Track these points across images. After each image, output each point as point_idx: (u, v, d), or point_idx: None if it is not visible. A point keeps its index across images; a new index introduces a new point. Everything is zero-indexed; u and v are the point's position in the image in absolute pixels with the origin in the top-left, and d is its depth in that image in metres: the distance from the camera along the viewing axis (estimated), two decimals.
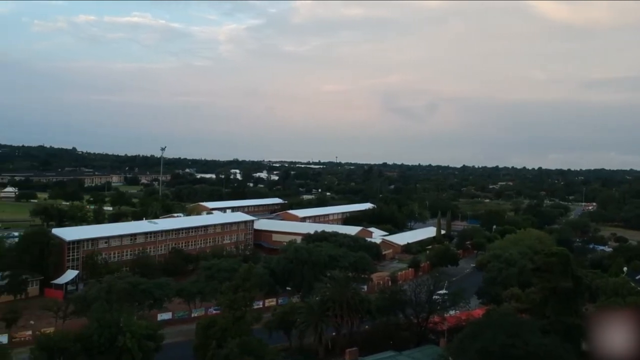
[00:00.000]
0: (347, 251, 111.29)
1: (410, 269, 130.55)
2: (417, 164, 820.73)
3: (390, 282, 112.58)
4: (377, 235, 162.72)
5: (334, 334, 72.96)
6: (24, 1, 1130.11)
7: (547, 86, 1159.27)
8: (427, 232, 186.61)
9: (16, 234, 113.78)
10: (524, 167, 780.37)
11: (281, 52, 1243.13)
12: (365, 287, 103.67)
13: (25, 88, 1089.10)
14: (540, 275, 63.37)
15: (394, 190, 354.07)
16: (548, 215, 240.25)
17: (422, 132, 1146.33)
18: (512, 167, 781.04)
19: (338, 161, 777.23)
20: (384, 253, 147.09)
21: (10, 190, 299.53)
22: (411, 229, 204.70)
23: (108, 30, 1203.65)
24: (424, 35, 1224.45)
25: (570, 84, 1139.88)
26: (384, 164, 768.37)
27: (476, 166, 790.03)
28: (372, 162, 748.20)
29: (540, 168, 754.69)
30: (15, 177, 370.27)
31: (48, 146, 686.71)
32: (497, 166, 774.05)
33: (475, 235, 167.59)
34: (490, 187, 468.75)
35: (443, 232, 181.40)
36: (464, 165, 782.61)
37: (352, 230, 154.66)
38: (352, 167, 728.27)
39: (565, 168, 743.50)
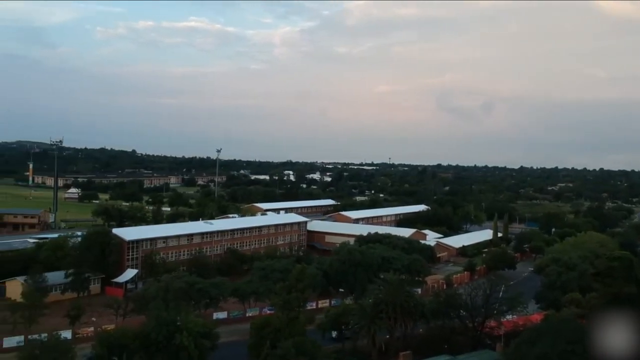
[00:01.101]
0: (400, 253, 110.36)
1: (465, 272, 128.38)
2: (472, 165, 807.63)
3: (445, 285, 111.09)
4: (431, 237, 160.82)
5: (387, 336, 72.39)
6: (87, 9, 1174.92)
7: (607, 84, 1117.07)
8: (483, 234, 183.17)
9: (79, 233, 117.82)
10: (585, 168, 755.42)
11: (334, 53, 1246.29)
12: (419, 290, 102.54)
13: (87, 93, 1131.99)
14: (602, 280, 61.34)
15: (448, 192, 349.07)
16: (610, 218, 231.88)
17: (478, 133, 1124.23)
18: (572, 168, 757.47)
19: (391, 162, 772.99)
20: (438, 256, 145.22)
21: (74, 191, 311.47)
22: (467, 231, 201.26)
23: (166, 35, 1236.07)
24: (479, 34, 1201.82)
25: (632, 81, 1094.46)
26: (439, 165, 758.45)
27: (534, 167, 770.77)
28: (426, 163, 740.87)
29: (601, 169, 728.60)
30: (79, 179, 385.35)
31: (109, 148, 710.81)
32: (556, 167, 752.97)
33: (533, 238, 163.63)
34: (549, 188, 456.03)
35: (500, 234, 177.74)
36: (521, 167, 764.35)
37: (406, 232, 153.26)
38: (405, 169, 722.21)
39: (628, 169, 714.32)
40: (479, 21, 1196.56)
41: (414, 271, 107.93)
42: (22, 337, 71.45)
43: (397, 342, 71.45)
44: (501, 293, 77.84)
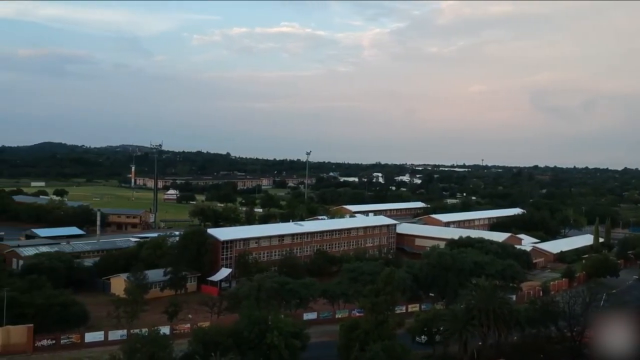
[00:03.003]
0: (493, 258, 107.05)
1: (563, 279, 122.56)
2: (571, 166, 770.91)
3: (541, 293, 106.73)
4: (526, 242, 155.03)
5: (479, 343, 70.40)
6: (184, 18, 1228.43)
7: None
8: (583, 239, 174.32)
9: (177, 233, 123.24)
10: None
11: (425, 54, 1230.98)
12: (514, 296, 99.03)
13: (184, 98, 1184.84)
14: None
15: (545, 195, 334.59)
16: None
17: (577, 133, 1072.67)
18: None
19: (484, 164, 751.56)
20: (534, 261, 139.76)
21: (172, 192, 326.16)
22: (565, 236, 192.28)
23: (259, 41, 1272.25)
24: (577, 30, 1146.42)
25: None
26: (535, 167, 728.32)
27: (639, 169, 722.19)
28: (522, 165, 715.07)
29: None
30: (177, 181, 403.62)
31: (205, 152, 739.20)
32: None
33: (638, 244, 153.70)
34: None
35: (601, 240, 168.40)
36: (625, 168, 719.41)
37: (500, 236, 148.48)
38: (499, 170, 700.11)
39: None
40: (577, 17, 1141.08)
41: (508, 277, 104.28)
42: (125, 331, 75.68)
43: (490, 349, 69.35)
44: (602, 302, 73.66)
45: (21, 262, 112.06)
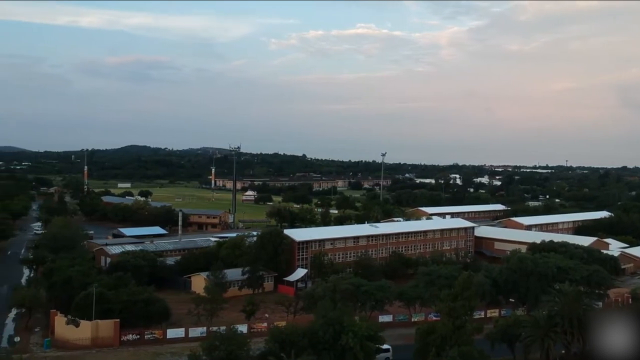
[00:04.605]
0: (578, 263, 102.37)
1: None
2: None
3: (630, 300, 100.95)
4: (614, 247, 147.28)
5: (563, 351, 67.56)
6: (261, 23, 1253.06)
7: None
8: None
9: (255, 233, 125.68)
10: None
11: (505, 51, 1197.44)
12: (601, 303, 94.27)
13: (262, 102, 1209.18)
14: None
15: (635, 197, 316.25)
16: None
17: None
18: None
19: (568, 165, 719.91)
20: (623, 267, 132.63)
21: (250, 193, 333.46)
22: None
23: (335, 44, 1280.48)
24: None
25: None
26: (623, 168, 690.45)
27: None
28: (609, 166, 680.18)
29: None
30: (255, 182, 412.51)
31: (282, 154, 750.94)
32: None
33: None
34: None
35: None
36: None
37: (585, 240, 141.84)
38: (584, 172, 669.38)
39: None
40: None
41: (593, 283, 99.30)
42: (204, 329, 77.95)
43: (574, 358, 66.40)
44: None
45: (108, 259, 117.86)
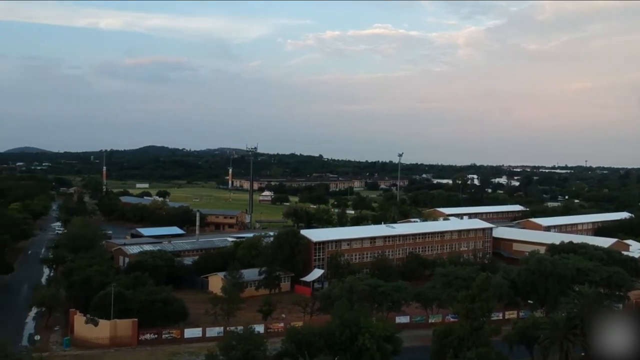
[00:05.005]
0: (598, 265, 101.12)
1: None
2: None
3: None
4: (635, 248, 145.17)
5: (582, 354, 66.71)
6: (278, 24, 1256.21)
7: None
8: None
9: (271, 233, 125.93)
10: None
11: (524, 51, 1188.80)
12: (621, 305, 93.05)
13: (278, 102, 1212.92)
14: None
15: None
16: None
17: None
18: None
19: (588, 165, 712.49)
20: None
21: (267, 194, 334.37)
22: None
23: (351, 44, 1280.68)
24: None
25: None
26: None
27: None
28: (630, 166, 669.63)
29: None
30: (272, 182, 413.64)
31: (298, 154, 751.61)
32: None
33: None
34: None
35: None
36: None
37: (605, 242, 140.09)
38: (604, 172, 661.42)
39: None
40: None
41: (613, 285, 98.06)
42: (221, 328, 78.27)
43: None
44: None
45: (127, 259, 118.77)
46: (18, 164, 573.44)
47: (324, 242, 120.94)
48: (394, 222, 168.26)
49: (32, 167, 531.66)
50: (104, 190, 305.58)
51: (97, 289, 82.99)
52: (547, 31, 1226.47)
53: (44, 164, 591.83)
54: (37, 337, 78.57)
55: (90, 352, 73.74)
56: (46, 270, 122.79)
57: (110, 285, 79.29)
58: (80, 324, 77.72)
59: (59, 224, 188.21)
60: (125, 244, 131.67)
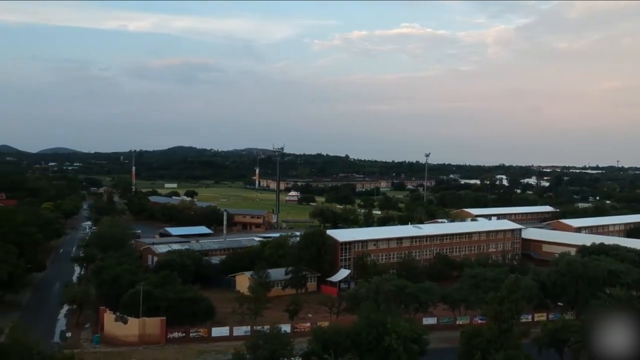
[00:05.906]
0: (630, 267, 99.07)
1: None
2: None
3: None
4: None
5: None
6: (305, 25, 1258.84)
7: None
8: None
9: (298, 233, 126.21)
10: None
11: (553, 49, 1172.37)
12: None
13: (305, 102, 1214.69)
14: None
15: None
16: None
17: None
18: None
19: (620, 165, 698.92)
20: None
21: (293, 194, 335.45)
22: None
23: (378, 44, 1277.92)
24: None
25: None
26: None
27: None
28: None
29: None
30: (298, 183, 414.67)
31: (325, 154, 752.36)
32: None
33: None
34: None
35: None
36: None
37: (638, 243, 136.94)
38: (637, 172, 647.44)
39: None
40: None
41: None
42: (248, 328, 78.62)
43: None
44: None
45: (155, 258, 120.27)
46: (50, 164, 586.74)
47: (350, 242, 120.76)
48: (421, 222, 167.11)
49: (64, 167, 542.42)
50: (133, 190, 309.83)
51: (127, 287, 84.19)
52: (577, 29, 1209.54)
53: (75, 164, 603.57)
54: (69, 334, 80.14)
55: (120, 349, 74.79)
56: (77, 269, 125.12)
57: (139, 283, 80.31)
58: (110, 321, 78.97)
59: (89, 223, 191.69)
60: (153, 243, 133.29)
